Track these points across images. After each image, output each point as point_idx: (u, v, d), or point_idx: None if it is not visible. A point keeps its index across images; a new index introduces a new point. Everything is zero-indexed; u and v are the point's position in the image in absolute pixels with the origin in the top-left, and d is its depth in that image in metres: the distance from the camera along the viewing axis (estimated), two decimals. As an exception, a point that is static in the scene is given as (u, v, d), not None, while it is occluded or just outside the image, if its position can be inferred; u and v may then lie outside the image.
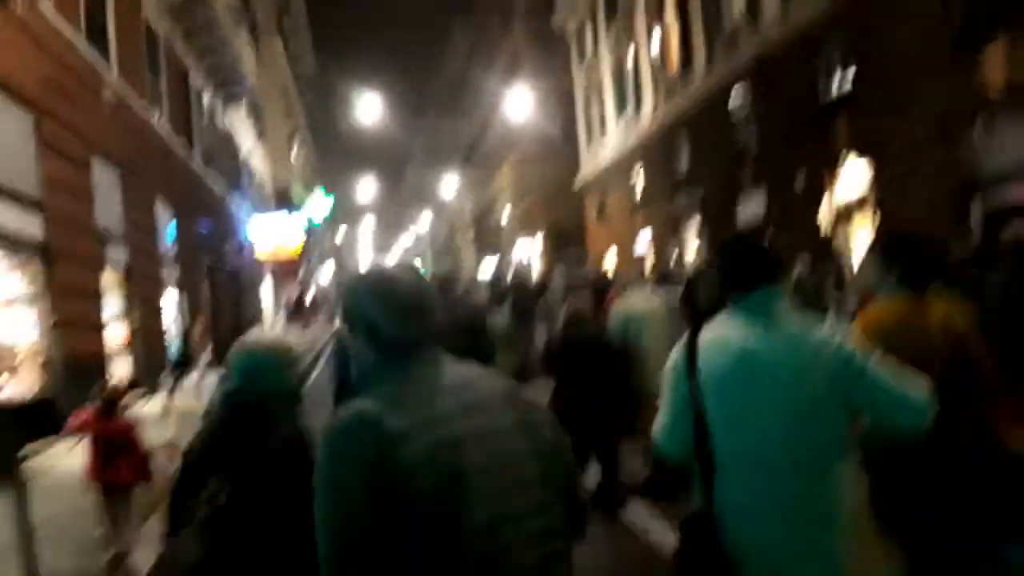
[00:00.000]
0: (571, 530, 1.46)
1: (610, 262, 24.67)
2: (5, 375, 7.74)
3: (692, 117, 18.73)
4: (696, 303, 8.96)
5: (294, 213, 24.88)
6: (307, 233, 25.27)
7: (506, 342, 5.30)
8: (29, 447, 6.25)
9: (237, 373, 2.06)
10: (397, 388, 1.36)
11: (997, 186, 9.68)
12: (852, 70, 12.39)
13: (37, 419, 7.33)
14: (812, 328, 1.87)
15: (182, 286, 14.57)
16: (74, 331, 8.87)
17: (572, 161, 29.00)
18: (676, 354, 1.98)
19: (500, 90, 33.55)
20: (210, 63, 17.73)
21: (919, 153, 10.79)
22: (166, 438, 5.74)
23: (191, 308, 14.63)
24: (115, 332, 10.69)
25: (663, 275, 10.19)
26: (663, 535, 4.10)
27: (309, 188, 38.36)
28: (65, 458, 5.10)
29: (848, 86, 12.47)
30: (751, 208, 15.74)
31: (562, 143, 29.80)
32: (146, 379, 10.70)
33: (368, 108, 32.68)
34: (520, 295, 11.54)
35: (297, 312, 24.16)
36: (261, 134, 27.59)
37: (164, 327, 13.20)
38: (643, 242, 22.88)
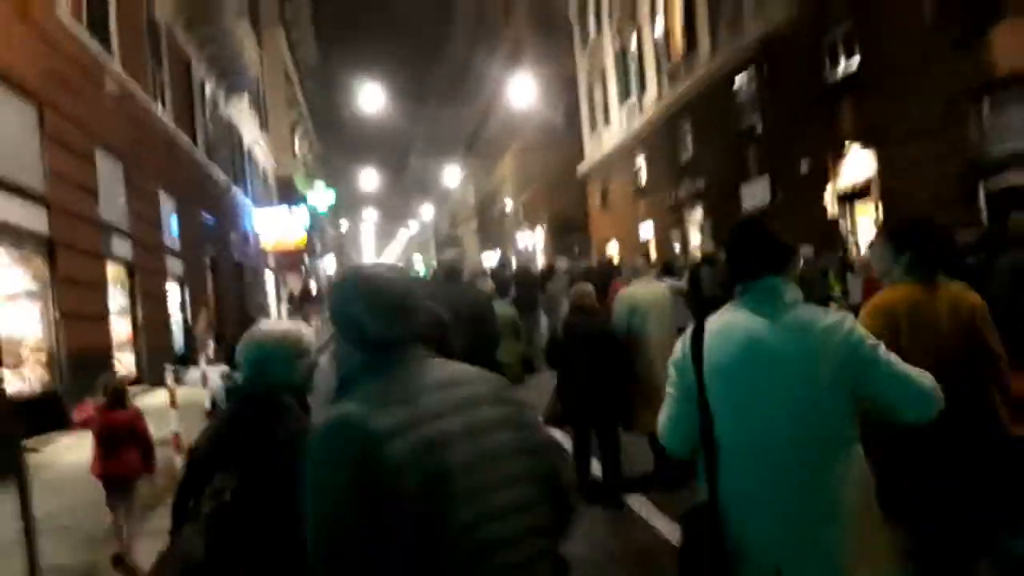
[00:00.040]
0: (557, 529, 1.47)
1: (613, 250, 24.61)
2: (9, 369, 7.75)
3: (696, 102, 18.60)
4: (700, 292, 8.95)
5: (297, 207, 24.85)
6: (309, 226, 25.25)
7: (511, 331, 5.27)
8: (33, 441, 6.27)
9: (246, 365, 2.06)
10: (383, 387, 1.36)
11: (1003, 170, 9.60)
12: (856, 53, 12.26)
13: (41, 413, 7.36)
14: (819, 316, 1.86)
15: (185, 279, 14.58)
16: (78, 325, 8.88)
17: (575, 149, 28.86)
18: (681, 344, 1.96)
19: (502, 77, 33.42)
20: (212, 53, 17.65)
21: (924, 137, 10.69)
22: (170, 431, 5.74)
23: (194, 301, 14.65)
24: (119, 325, 10.71)
25: (667, 265, 10.16)
26: (667, 527, 4.08)
27: (311, 179, 38.32)
28: (69, 452, 5.10)
29: (853, 68, 12.35)
30: (755, 195, 15.65)
31: (565, 130, 29.65)
32: (149, 372, 10.73)
33: (370, 97, 32.64)
34: (523, 284, 11.52)
35: (301, 305, 24.20)
36: (263, 125, 27.53)
37: (168, 320, 13.21)
38: (646, 230, 22.81)
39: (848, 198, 13.12)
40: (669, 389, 1.97)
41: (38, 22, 8.62)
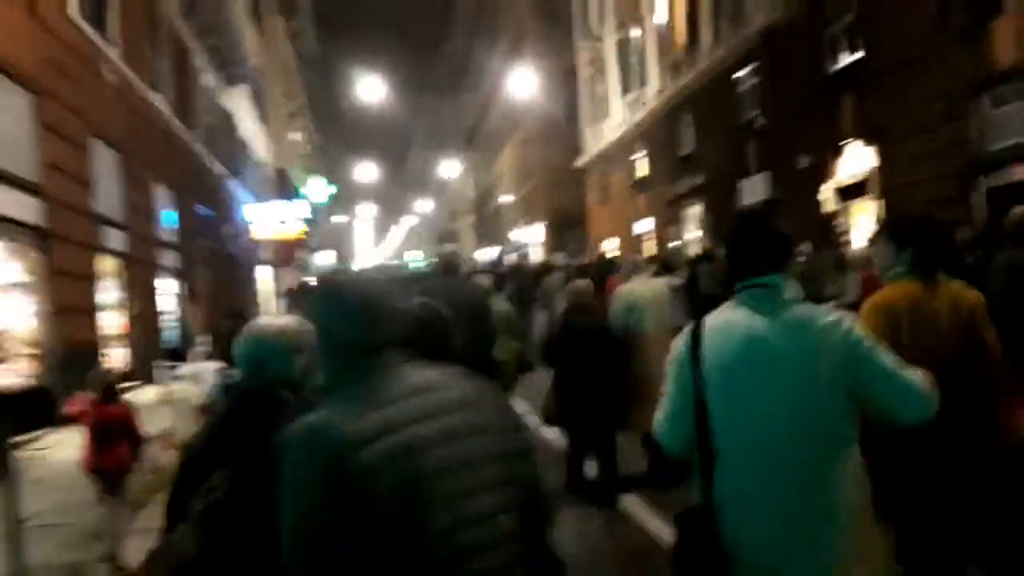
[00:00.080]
0: (534, 533, 1.46)
1: (612, 245, 24.56)
2: None
3: (697, 96, 18.53)
4: (698, 289, 8.90)
5: (295, 201, 24.74)
6: (307, 219, 25.14)
7: (507, 328, 5.22)
8: (22, 436, 6.21)
9: (244, 360, 2.06)
10: (358, 394, 1.36)
11: (1003, 166, 9.56)
12: (858, 48, 12.20)
13: (31, 408, 7.29)
14: (819, 314, 1.86)
15: (180, 272, 14.50)
16: (71, 317, 8.81)
17: (575, 143, 28.78)
18: (680, 342, 1.96)
19: (503, 69, 33.31)
20: (211, 43, 17.54)
21: (924, 134, 10.65)
22: (162, 427, 5.69)
23: (189, 294, 14.57)
24: (112, 319, 10.63)
25: (665, 261, 10.11)
26: (662, 527, 4.05)
27: (310, 171, 38.21)
28: (59, 449, 5.05)
29: (854, 63, 12.29)
30: (754, 190, 15.60)
31: (565, 124, 29.56)
32: (142, 367, 10.66)
33: (370, 89, 32.52)
34: (519, 280, 11.47)
35: (297, 299, 24.07)
36: (262, 116, 27.40)
37: (161, 314, 13.14)
38: (645, 225, 22.75)
39: (847, 194, 13.08)
40: (667, 387, 1.97)
41: (36, 10, 8.53)
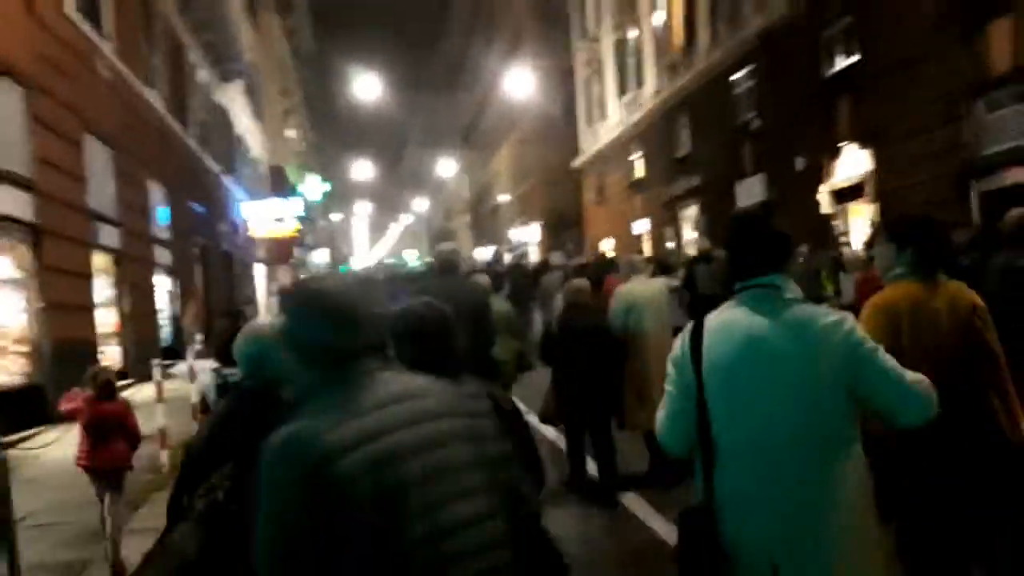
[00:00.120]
0: (518, 540, 1.43)
1: (608, 246, 24.58)
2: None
3: (694, 97, 18.55)
4: (696, 289, 8.87)
5: (290, 199, 24.67)
6: (302, 217, 25.08)
7: (507, 327, 5.19)
8: (14, 435, 6.16)
9: (244, 360, 2.04)
10: (335, 403, 1.33)
11: (998, 169, 9.61)
12: (855, 51, 12.23)
13: (24, 406, 7.23)
14: (819, 314, 1.85)
15: (174, 269, 14.42)
16: (63, 315, 8.74)
17: (571, 143, 28.79)
18: (681, 341, 1.94)
19: (500, 68, 33.28)
20: (207, 39, 17.46)
21: (920, 136, 10.69)
22: (157, 426, 5.64)
23: (183, 292, 14.49)
24: (105, 316, 10.56)
25: (661, 262, 10.11)
26: (663, 527, 4.04)
27: (305, 169, 38.10)
28: (53, 447, 5.00)
29: (851, 63, 12.33)
30: (751, 192, 15.63)
31: (562, 124, 29.57)
32: (137, 365, 10.59)
33: (366, 87, 32.45)
34: (517, 280, 11.46)
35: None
36: (257, 113, 27.30)
37: (155, 312, 13.06)
38: (641, 226, 22.78)
39: (843, 196, 13.12)
40: (667, 386, 1.96)
41: (34, 7, 8.46)
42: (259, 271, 26.04)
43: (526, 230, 35.40)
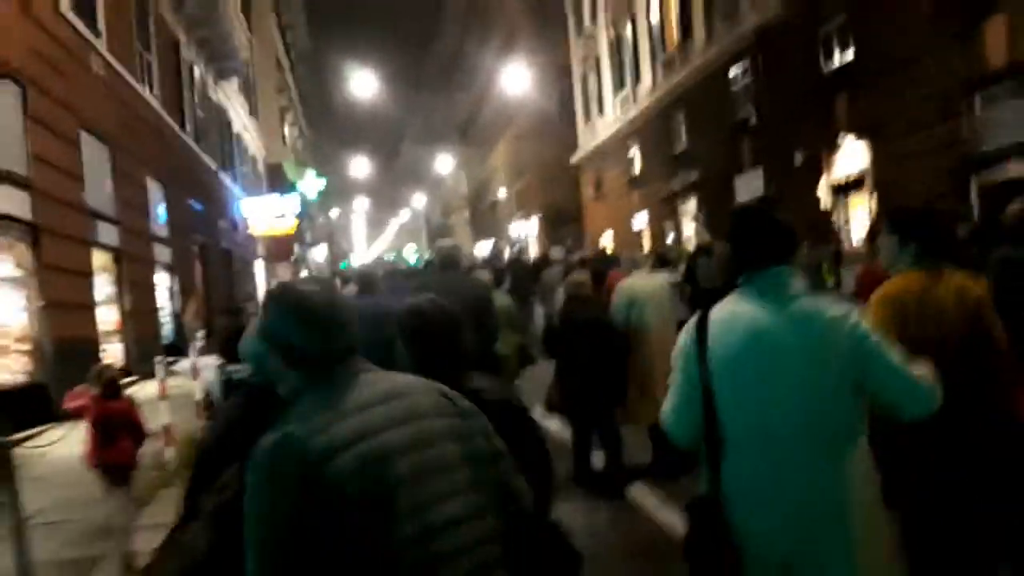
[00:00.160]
0: (510, 536, 1.45)
1: (607, 241, 24.58)
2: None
3: (691, 93, 18.54)
4: (696, 283, 8.86)
5: (287, 195, 24.62)
6: (300, 214, 25.04)
7: (508, 322, 5.20)
8: (20, 434, 6.15)
9: (252, 357, 2.03)
10: (322, 405, 1.34)
11: (996, 163, 9.62)
12: (852, 46, 12.24)
13: (27, 405, 7.22)
14: (825, 306, 1.85)
15: (174, 267, 14.40)
16: (64, 314, 8.72)
17: (569, 138, 28.76)
18: (686, 334, 1.95)
19: (496, 65, 33.20)
20: (201, 36, 17.39)
21: (918, 130, 10.71)
22: (161, 423, 5.65)
23: (183, 290, 14.47)
24: (106, 315, 10.54)
25: (660, 256, 10.11)
26: (671, 518, 4.05)
27: (302, 166, 38.00)
28: (58, 446, 5.00)
29: (848, 60, 12.33)
30: (749, 186, 15.63)
31: (559, 120, 29.53)
32: (139, 363, 10.58)
33: (362, 83, 32.36)
34: (518, 274, 11.46)
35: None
36: (253, 110, 27.23)
37: (156, 309, 13.04)
38: (640, 221, 22.79)
39: (841, 190, 13.13)
40: (674, 379, 1.96)
41: (30, 8, 8.43)
42: (259, 268, 26.01)
43: (525, 225, 35.38)
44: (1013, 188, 8.64)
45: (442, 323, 1.98)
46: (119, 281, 11.24)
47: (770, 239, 1.93)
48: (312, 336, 1.39)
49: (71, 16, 9.84)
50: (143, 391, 7.57)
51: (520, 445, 1.98)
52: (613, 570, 3.66)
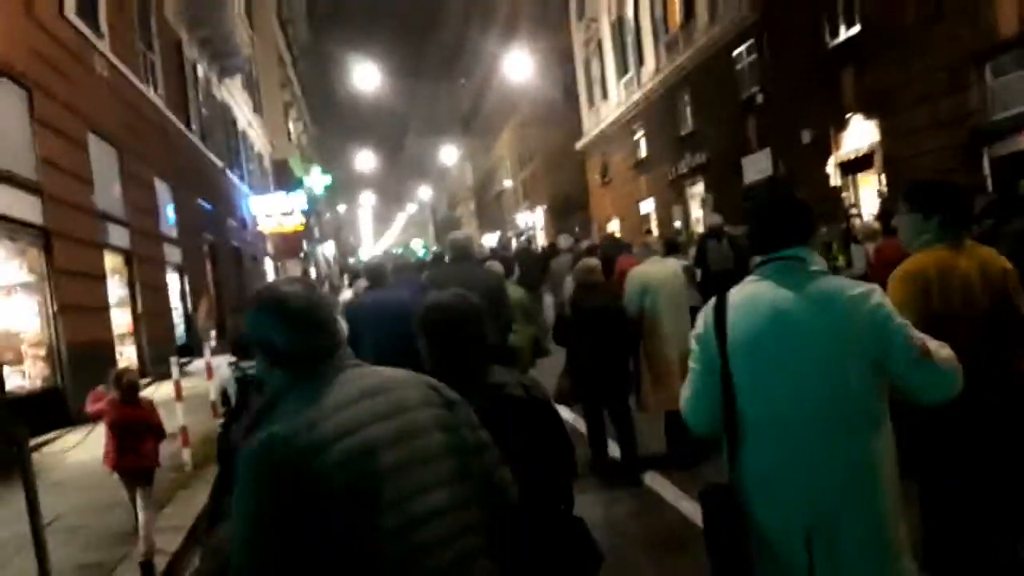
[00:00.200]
0: (495, 526, 1.47)
1: (614, 226, 24.47)
2: (9, 365, 7.64)
3: (695, 74, 18.36)
4: (707, 266, 8.80)
5: (293, 191, 24.66)
6: (307, 211, 25.06)
7: (521, 314, 5.17)
8: (38, 439, 6.19)
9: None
10: (307, 403, 1.36)
11: (1007, 135, 9.47)
12: (857, 21, 12.05)
13: (44, 409, 7.27)
14: (846, 286, 1.83)
15: (184, 267, 14.45)
16: (78, 317, 8.76)
17: (574, 125, 28.57)
18: (704, 317, 1.93)
19: (498, 52, 33.00)
20: (204, 34, 17.36)
21: (927, 104, 10.55)
22: (178, 424, 5.67)
23: (194, 290, 14.52)
24: (119, 317, 10.60)
25: (669, 242, 10.04)
26: (691, 507, 4.03)
27: (307, 162, 38.01)
28: (75, 450, 5.02)
29: (854, 35, 12.14)
30: (757, 167, 15.49)
31: (563, 106, 29.33)
32: (153, 364, 10.65)
33: (365, 76, 32.26)
34: (527, 264, 11.41)
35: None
36: (257, 107, 27.22)
37: (168, 310, 13.10)
38: (647, 206, 22.66)
39: (850, 168, 12.98)
40: (692, 364, 1.95)
41: (33, 10, 8.41)
42: (269, 266, 26.09)
43: (531, 215, 35.28)
44: (1025, 160, 8.54)
45: (467, 316, 1.97)
46: (131, 283, 11.29)
47: (789, 219, 1.91)
48: (293, 336, 1.42)
49: (73, 18, 9.83)
50: (158, 392, 7.63)
51: (543, 439, 1.96)
52: (634, 562, 3.64)
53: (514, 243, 21.53)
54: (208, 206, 16.85)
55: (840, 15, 12.55)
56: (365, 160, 58.49)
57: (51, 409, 7.53)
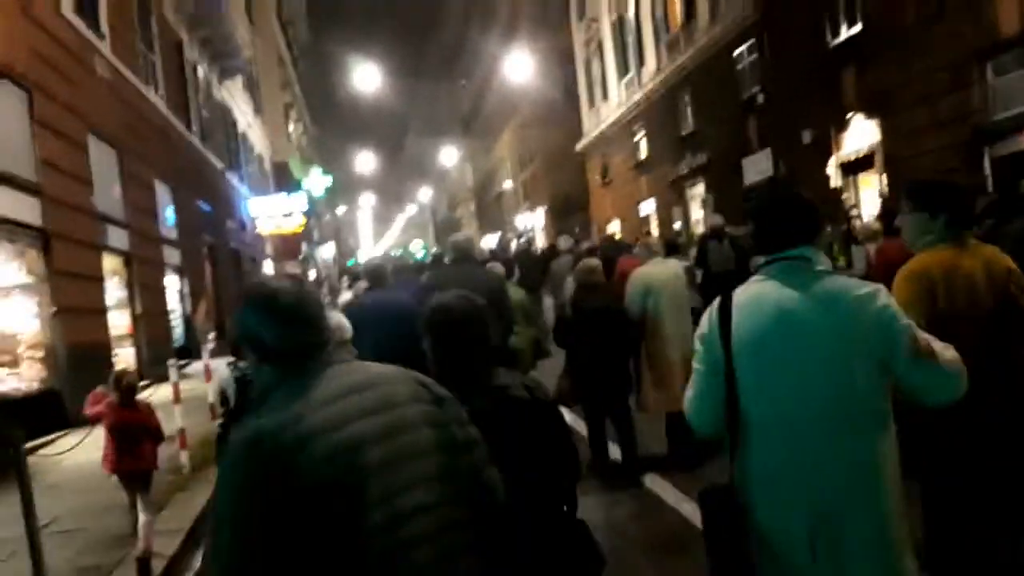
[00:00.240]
0: (482, 522, 1.46)
1: (614, 227, 24.47)
2: (5, 367, 7.62)
3: (696, 74, 18.35)
4: (708, 266, 8.78)
5: (294, 195, 24.65)
6: (307, 212, 25.05)
7: (523, 315, 5.15)
8: (35, 441, 6.17)
9: None
10: (294, 398, 1.35)
11: (1008, 135, 9.45)
12: (858, 20, 12.03)
13: (41, 411, 7.24)
14: (851, 286, 1.82)
15: (183, 268, 14.44)
16: (76, 319, 8.74)
17: (574, 125, 28.57)
18: (708, 317, 1.91)
19: (498, 52, 33.02)
20: (204, 35, 17.36)
21: (928, 104, 10.53)
22: (176, 427, 5.65)
23: (193, 291, 14.51)
24: (117, 319, 10.58)
25: (670, 243, 10.03)
26: (692, 509, 4.00)
27: (307, 163, 38.01)
28: (72, 453, 5.00)
29: (855, 35, 12.13)
30: (758, 167, 15.47)
31: (564, 106, 29.32)
32: (151, 366, 10.62)
33: (365, 77, 32.30)
34: (527, 265, 11.40)
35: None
36: (258, 108, 27.22)
37: (167, 312, 13.08)
38: (648, 207, 22.64)
39: (851, 168, 12.96)
40: (696, 364, 1.94)
41: (31, 9, 8.39)
42: (268, 268, 26.09)
43: (531, 216, 35.28)
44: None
45: (472, 318, 1.96)
46: (130, 285, 11.27)
47: (794, 218, 1.90)
48: (282, 331, 1.42)
49: (73, 18, 9.82)
50: (156, 395, 7.60)
51: (547, 440, 1.94)
52: (634, 564, 3.63)
53: (514, 244, 21.50)
54: (207, 208, 16.84)
55: (841, 14, 12.54)
56: (365, 161, 58.54)
57: (48, 411, 7.50)
